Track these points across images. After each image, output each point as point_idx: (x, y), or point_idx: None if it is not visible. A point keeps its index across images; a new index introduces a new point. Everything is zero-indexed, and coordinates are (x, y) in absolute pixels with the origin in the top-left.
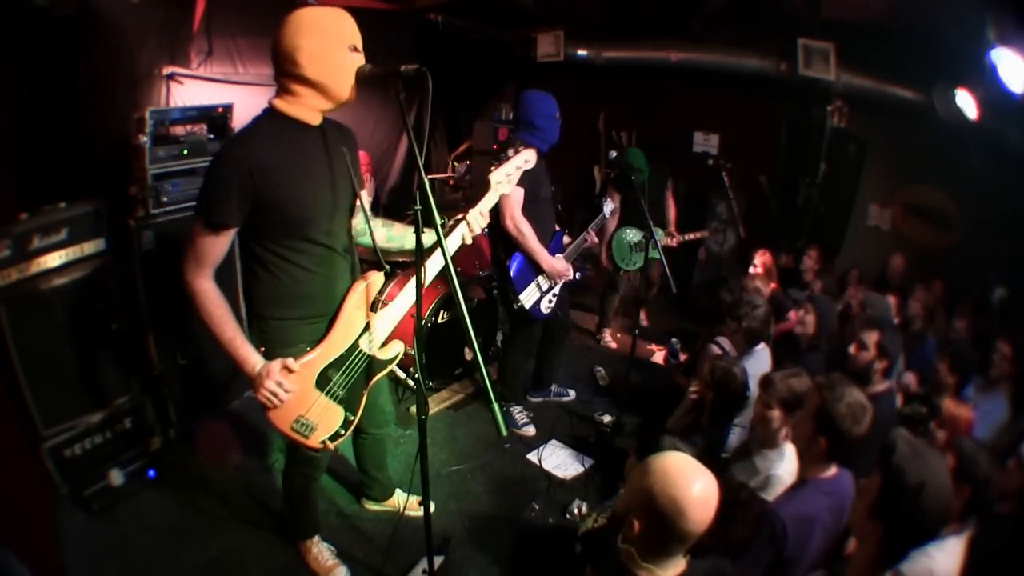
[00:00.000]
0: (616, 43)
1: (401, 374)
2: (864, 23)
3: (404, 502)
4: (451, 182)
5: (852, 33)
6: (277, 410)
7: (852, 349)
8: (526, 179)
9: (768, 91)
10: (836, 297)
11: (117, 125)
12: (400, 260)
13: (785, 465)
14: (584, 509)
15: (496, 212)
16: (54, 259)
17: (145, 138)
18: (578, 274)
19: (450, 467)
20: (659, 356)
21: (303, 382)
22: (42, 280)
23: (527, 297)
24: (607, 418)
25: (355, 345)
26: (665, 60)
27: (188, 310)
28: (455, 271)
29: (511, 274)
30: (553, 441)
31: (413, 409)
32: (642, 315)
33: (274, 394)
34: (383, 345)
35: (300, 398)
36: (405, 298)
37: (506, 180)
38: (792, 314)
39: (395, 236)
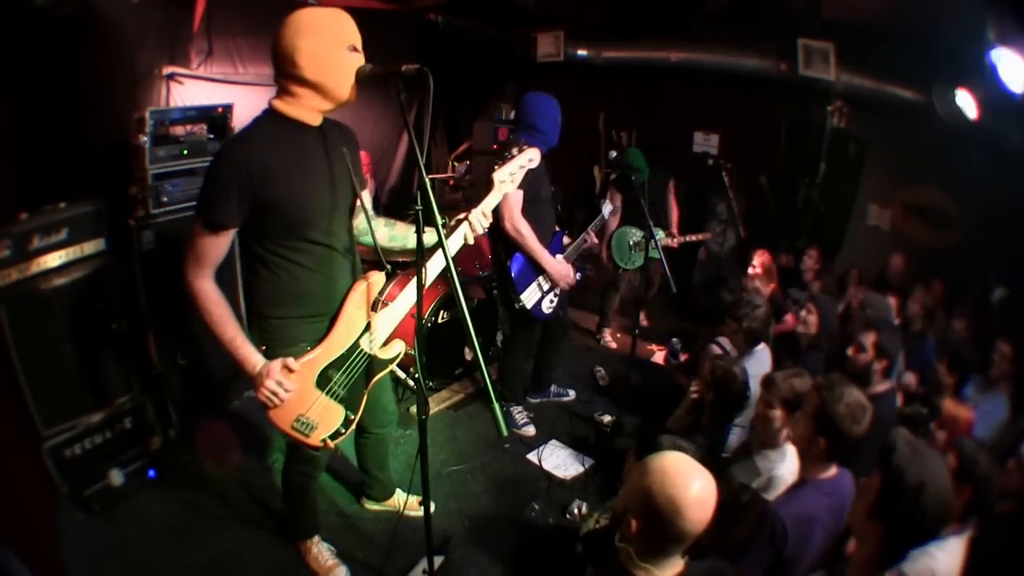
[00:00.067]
0: (616, 43)
1: (401, 374)
2: (864, 23)
3: (404, 502)
4: (451, 182)
5: (852, 33)
6: (278, 409)
7: (850, 351)
8: (526, 180)
9: (768, 91)
10: (836, 297)
11: (117, 125)
12: (402, 260)
13: (787, 465)
14: (584, 509)
15: (496, 213)
16: (54, 259)
17: (145, 138)
18: (578, 274)
19: (450, 467)
20: (659, 356)
21: (304, 381)
22: (42, 280)
23: (528, 297)
24: (607, 418)
25: (356, 345)
26: (665, 60)
27: (188, 310)
28: (455, 271)
29: (512, 274)
30: (553, 441)
31: (413, 409)
32: (641, 315)
33: (274, 393)
34: (384, 345)
35: (301, 397)
36: (406, 298)
37: (509, 179)
38: (789, 316)
39: (398, 236)
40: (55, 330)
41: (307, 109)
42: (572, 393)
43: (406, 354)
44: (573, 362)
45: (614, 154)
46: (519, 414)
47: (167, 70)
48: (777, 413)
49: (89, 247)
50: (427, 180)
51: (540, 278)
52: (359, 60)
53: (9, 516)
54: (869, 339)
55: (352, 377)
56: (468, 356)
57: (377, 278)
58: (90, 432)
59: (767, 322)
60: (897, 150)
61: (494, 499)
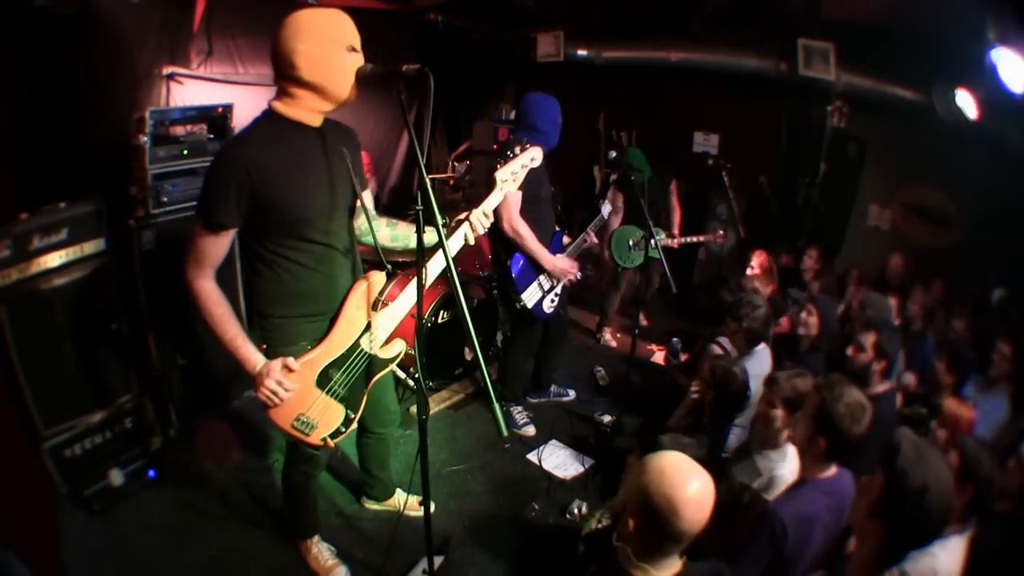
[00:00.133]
0: (616, 43)
1: (401, 374)
2: (864, 23)
3: (404, 502)
4: (451, 182)
5: (852, 33)
6: (278, 408)
7: (850, 350)
8: (525, 180)
9: (768, 91)
10: (836, 297)
11: (117, 125)
12: (403, 260)
13: (787, 465)
14: (584, 509)
15: (495, 214)
16: (54, 259)
17: (145, 138)
18: (579, 274)
19: (450, 467)
20: (659, 356)
21: (304, 381)
22: (42, 280)
23: (529, 297)
24: (607, 418)
25: (356, 344)
26: (665, 60)
27: (188, 310)
28: (456, 271)
29: (513, 274)
30: (553, 441)
31: (413, 409)
32: (641, 315)
33: (274, 393)
34: (384, 344)
35: (301, 396)
36: (406, 298)
37: (511, 178)
38: (784, 320)
39: (400, 236)
40: (55, 330)
41: (307, 110)
42: (572, 393)
43: (406, 354)
44: (573, 362)
45: (614, 154)
46: (519, 414)
47: (167, 70)
48: (779, 413)
49: (89, 247)
50: (427, 180)
51: (541, 277)
52: (358, 60)
53: (9, 516)
54: (869, 339)
55: (352, 376)
56: (468, 356)
57: (377, 278)
58: (90, 432)
59: (767, 322)
60: (897, 150)
61: (494, 499)
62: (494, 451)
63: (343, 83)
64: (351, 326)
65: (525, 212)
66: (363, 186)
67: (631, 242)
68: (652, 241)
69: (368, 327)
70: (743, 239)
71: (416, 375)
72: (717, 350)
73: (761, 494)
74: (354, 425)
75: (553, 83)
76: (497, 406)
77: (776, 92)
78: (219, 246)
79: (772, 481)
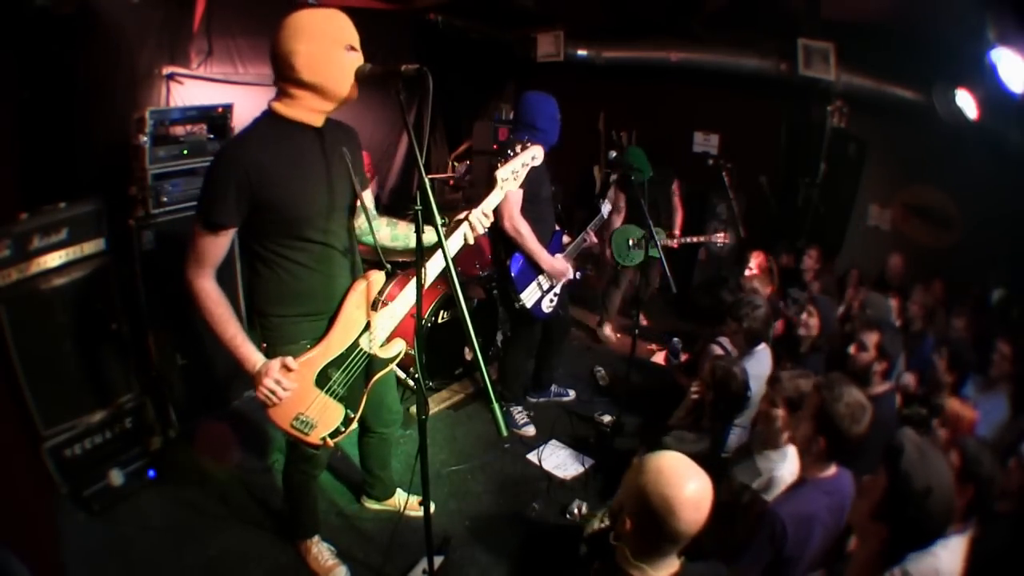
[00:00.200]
0: (616, 43)
1: (401, 374)
2: (864, 23)
3: (404, 502)
4: (451, 182)
5: (852, 33)
6: (277, 407)
7: (852, 350)
8: (526, 179)
9: (768, 91)
10: (837, 297)
11: (117, 125)
12: (402, 260)
13: (787, 466)
14: (584, 509)
15: (495, 213)
16: (54, 259)
17: (145, 138)
18: (578, 274)
19: (450, 467)
20: (659, 356)
21: (302, 380)
22: (42, 280)
23: (528, 296)
24: (607, 418)
25: (355, 344)
26: (665, 60)
27: (188, 310)
28: (455, 271)
29: (512, 273)
30: (553, 441)
31: (413, 409)
32: (641, 315)
33: (272, 392)
34: (384, 344)
35: (300, 396)
36: (406, 297)
37: (512, 177)
38: (779, 323)
39: (399, 235)
40: (55, 330)
41: (307, 110)
42: (572, 393)
43: (406, 354)
44: (573, 362)
45: (614, 154)
46: (519, 414)
47: (167, 70)
48: (780, 412)
49: (89, 247)
50: (427, 180)
51: (540, 277)
52: (358, 59)
53: (9, 516)
54: (872, 339)
55: (351, 376)
56: (468, 356)
57: (377, 277)
58: (90, 432)
59: (767, 322)
60: (897, 150)
61: (494, 499)
62: (494, 451)
63: (343, 82)
64: (350, 326)
65: (525, 211)
66: (364, 185)
67: (631, 241)
68: (652, 241)
69: (367, 327)
70: (743, 239)
71: (416, 375)
72: (717, 350)
73: (760, 495)
74: (354, 425)
75: (553, 83)
76: (497, 406)
77: (776, 92)
78: (219, 246)
79: (771, 482)
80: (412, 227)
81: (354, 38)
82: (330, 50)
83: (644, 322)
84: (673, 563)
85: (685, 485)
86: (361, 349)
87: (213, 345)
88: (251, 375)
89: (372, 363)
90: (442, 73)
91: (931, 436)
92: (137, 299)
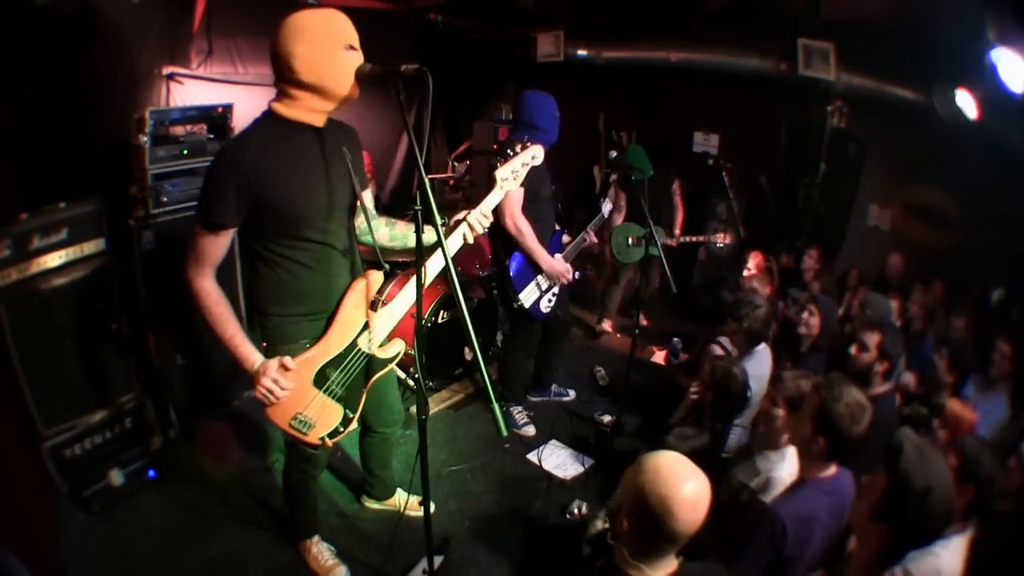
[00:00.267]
0: (616, 43)
1: (401, 374)
2: (864, 23)
3: (404, 502)
4: (451, 182)
5: (852, 33)
6: (275, 407)
7: (853, 350)
8: (527, 178)
9: (768, 91)
10: (836, 298)
11: (117, 125)
12: (402, 260)
13: (786, 467)
14: (584, 509)
15: (496, 211)
16: (54, 259)
17: (145, 138)
18: (578, 274)
19: (450, 467)
20: (659, 356)
21: (301, 380)
22: (42, 280)
23: (527, 296)
24: (607, 418)
25: (353, 344)
26: (665, 60)
27: (188, 310)
28: (455, 271)
29: (511, 273)
30: (553, 441)
31: (413, 409)
32: (641, 315)
33: (270, 391)
34: (383, 344)
35: (298, 395)
36: (405, 297)
37: (512, 177)
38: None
39: (398, 235)
40: (55, 330)
41: (307, 111)
42: (572, 393)
43: (406, 354)
44: (573, 362)
45: (614, 154)
46: (519, 414)
47: (167, 70)
48: (780, 412)
49: (89, 247)
50: (427, 180)
51: (539, 277)
52: (357, 58)
53: (9, 516)
54: (872, 339)
55: (350, 376)
56: (468, 356)
57: (375, 277)
58: (90, 432)
59: (767, 322)
60: (897, 150)
61: (494, 499)
62: (494, 451)
63: (343, 82)
64: (348, 325)
65: (525, 210)
66: (364, 185)
67: (630, 239)
68: (652, 240)
69: (366, 326)
70: (743, 239)
71: (416, 375)
72: (718, 350)
73: (758, 495)
74: (353, 425)
75: (553, 83)
76: (497, 406)
77: (776, 92)
78: (218, 245)
79: (769, 482)
80: (410, 227)
81: (353, 37)
82: (329, 51)
83: (644, 322)
84: (671, 563)
85: (683, 485)
86: (360, 349)
87: (213, 345)
88: (249, 374)
89: (371, 363)
90: (442, 73)
91: (931, 436)
92: (137, 299)
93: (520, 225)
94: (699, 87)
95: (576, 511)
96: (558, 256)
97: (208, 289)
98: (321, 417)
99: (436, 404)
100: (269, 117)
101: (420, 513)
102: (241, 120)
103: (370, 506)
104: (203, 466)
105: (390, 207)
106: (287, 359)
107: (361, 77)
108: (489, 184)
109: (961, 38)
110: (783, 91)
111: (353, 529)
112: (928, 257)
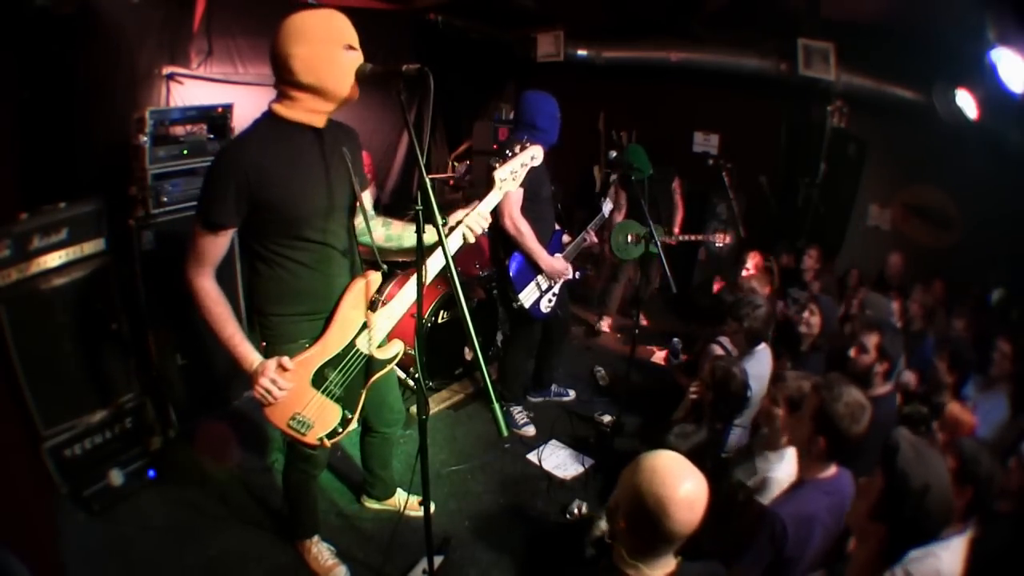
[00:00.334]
0: (616, 43)
1: (401, 374)
2: (864, 23)
3: (404, 502)
4: (451, 182)
5: (852, 33)
6: (274, 407)
7: (852, 352)
8: (527, 178)
9: (768, 91)
10: (836, 297)
11: (117, 125)
12: (400, 260)
13: (784, 467)
14: (584, 509)
15: (495, 212)
16: (54, 259)
17: (145, 138)
18: (577, 273)
19: (450, 467)
20: (659, 356)
21: (299, 380)
22: (42, 280)
23: (526, 296)
24: (607, 418)
25: (352, 344)
26: (665, 60)
27: (188, 310)
28: (455, 271)
29: (510, 273)
30: (553, 441)
31: (413, 409)
32: (641, 315)
33: (268, 391)
34: (382, 345)
35: (296, 395)
36: (404, 298)
37: (511, 177)
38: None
39: (393, 235)
40: (55, 330)
41: (307, 111)
42: (572, 393)
43: (406, 354)
44: (573, 362)
45: (614, 154)
46: (519, 414)
47: (167, 70)
48: (780, 411)
49: (89, 247)
50: (427, 180)
51: (539, 277)
52: (357, 58)
53: (9, 516)
54: (872, 340)
55: (348, 377)
56: (468, 356)
57: (374, 277)
58: (90, 432)
59: (768, 322)
60: (897, 150)
61: (494, 499)
62: (494, 451)
63: (343, 82)
64: (347, 326)
65: (525, 210)
66: (364, 186)
67: (629, 237)
68: (652, 239)
69: (365, 327)
70: (743, 239)
71: (416, 375)
72: (718, 350)
73: (754, 495)
74: (352, 426)
75: (553, 83)
76: (497, 406)
77: (776, 92)
78: (218, 245)
79: (766, 483)
80: (406, 227)
81: (353, 37)
82: (329, 51)
83: (644, 322)
84: (670, 562)
85: (679, 485)
86: (358, 349)
87: (213, 345)
88: (248, 374)
89: (370, 364)
90: (442, 73)
91: (930, 438)
92: (137, 299)
93: (519, 225)
94: (699, 87)
95: (576, 511)
96: (558, 256)
97: (208, 289)
98: (320, 417)
99: (436, 404)
100: (269, 118)
101: (420, 513)
102: (241, 120)
103: (370, 506)
104: (203, 466)
105: (391, 207)
106: (285, 359)
107: (361, 77)
108: (488, 185)
109: (961, 38)
110: (783, 91)
111: (353, 529)
112: (928, 257)
